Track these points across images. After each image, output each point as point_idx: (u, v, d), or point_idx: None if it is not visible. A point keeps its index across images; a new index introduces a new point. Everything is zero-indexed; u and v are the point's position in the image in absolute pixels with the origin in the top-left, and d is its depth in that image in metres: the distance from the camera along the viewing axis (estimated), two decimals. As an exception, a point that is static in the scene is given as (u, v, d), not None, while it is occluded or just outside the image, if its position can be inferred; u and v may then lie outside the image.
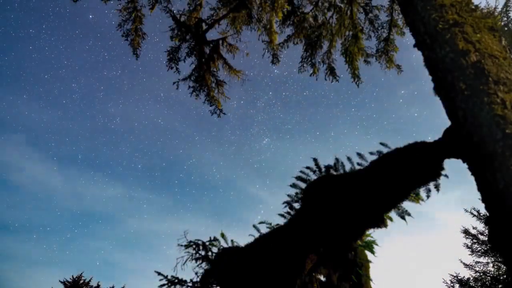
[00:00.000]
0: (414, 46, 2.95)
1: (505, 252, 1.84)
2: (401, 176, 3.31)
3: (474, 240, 15.41)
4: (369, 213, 3.60)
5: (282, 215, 4.96)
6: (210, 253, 4.21)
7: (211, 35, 7.56)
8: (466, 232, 15.72)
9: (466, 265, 15.29)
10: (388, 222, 4.09)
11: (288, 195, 5.05)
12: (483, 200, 2.03)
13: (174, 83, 7.49)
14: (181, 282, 4.13)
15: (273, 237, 3.88)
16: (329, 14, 7.56)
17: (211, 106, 7.79)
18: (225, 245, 4.31)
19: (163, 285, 4.17)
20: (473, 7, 2.71)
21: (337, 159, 4.80)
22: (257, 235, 4.36)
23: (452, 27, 2.48)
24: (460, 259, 15.52)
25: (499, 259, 14.24)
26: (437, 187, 3.78)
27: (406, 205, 4.25)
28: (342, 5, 7.43)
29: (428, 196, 3.94)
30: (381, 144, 3.94)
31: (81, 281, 19.50)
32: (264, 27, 7.52)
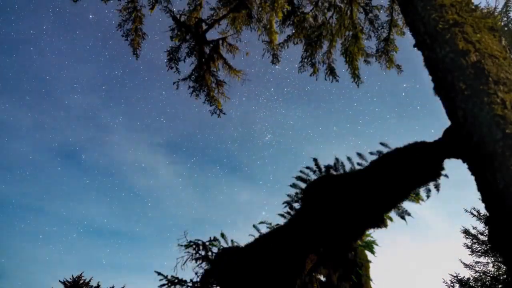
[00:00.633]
0: (414, 46, 2.95)
1: (505, 252, 1.85)
2: (401, 176, 3.31)
3: (474, 240, 15.42)
4: (369, 213, 3.61)
5: (282, 215, 4.96)
6: (210, 253, 4.21)
7: (211, 35, 7.57)
8: (466, 232, 15.72)
9: (466, 265, 15.29)
10: (388, 222, 4.09)
11: (288, 195, 5.06)
12: (483, 200, 2.03)
13: (174, 83, 7.50)
14: (181, 282, 4.13)
15: (273, 237, 3.88)
16: (329, 14, 7.56)
17: (211, 106, 7.80)
18: (225, 245, 4.32)
19: (163, 285, 4.17)
20: (473, 7, 2.71)
21: (337, 159, 4.80)
22: (257, 235, 4.36)
23: (452, 27, 2.48)
24: (460, 259, 15.53)
25: (499, 259, 14.24)
26: (437, 187, 3.78)
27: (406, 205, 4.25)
28: (342, 5, 7.43)
29: (428, 196, 3.94)
30: (381, 144, 3.94)
31: (81, 281, 19.51)
32: (264, 27, 7.52)
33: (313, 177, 4.92)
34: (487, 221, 2.06)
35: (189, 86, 7.62)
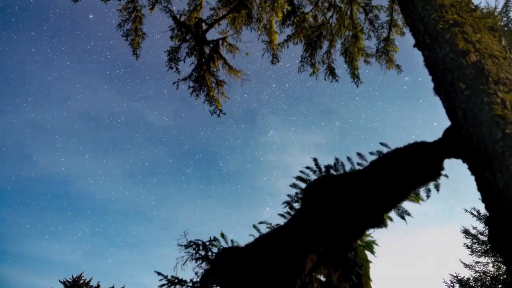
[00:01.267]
0: (414, 46, 2.95)
1: (505, 252, 1.84)
2: (401, 176, 3.31)
3: (474, 240, 15.42)
4: (369, 213, 3.61)
5: (282, 215, 4.96)
6: (210, 253, 4.21)
7: (211, 35, 7.58)
8: (466, 232, 15.72)
9: (466, 265, 15.29)
10: (388, 222, 4.09)
11: (288, 195, 5.06)
12: (483, 200, 2.03)
13: (174, 83, 7.50)
14: (181, 282, 4.13)
15: (273, 237, 3.88)
16: (329, 14, 7.56)
17: (211, 106, 7.80)
18: (225, 245, 4.31)
19: (163, 285, 4.17)
20: (473, 7, 2.71)
21: (337, 159, 4.80)
22: (257, 235, 4.36)
23: (452, 27, 2.48)
24: (460, 259, 15.53)
25: (499, 259, 14.24)
26: (437, 187, 3.78)
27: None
28: (342, 5, 7.43)
29: (428, 196, 3.94)
30: (381, 144, 3.94)
31: (81, 281, 19.51)
32: (264, 27, 7.52)
33: (313, 177, 4.92)
34: (487, 221, 2.06)
35: (189, 86, 7.63)
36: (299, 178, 5.00)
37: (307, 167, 5.02)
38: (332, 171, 4.77)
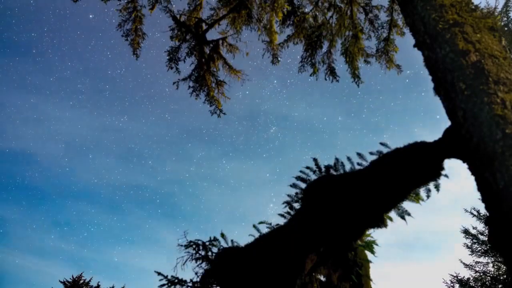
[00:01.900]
0: (414, 46, 2.95)
1: (505, 252, 1.85)
2: (401, 176, 3.31)
3: (474, 240, 15.42)
4: (369, 213, 3.61)
5: (282, 215, 4.96)
6: (210, 253, 4.21)
7: (211, 35, 7.58)
8: (466, 232, 15.72)
9: (466, 265, 15.30)
10: (388, 222, 4.09)
11: (288, 195, 5.05)
12: (483, 200, 2.03)
13: (174, 83, 7.50)
14: (181, 282, 4.13)
15: (273, 237, 3.89)
16: (329, 14, 7.56)
17: (211, 106, 7.81)
18: (225, 245, 4.31)
19: (163, 285, 4.17)
20: (473, 7, 2.71)
21: (337, 159, 4.80)
22: (257, 235, 4.36)
23: (452, 27, 2.48)
24: (460, 259, 15.54)
25: (499, 259, 14.24)
26: (437, 187, 3.78)
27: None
28: (342, 5, 7.43)
29: (428, 196, 3.94)
30: (381, 144, 3.94)
31: (81, 281, 19.52)
32: (264, 27, 7.52)
33: (313, 177, 4.92)
34: (487, 221, 2.06)
35: (189, 86, 7.63)
36: (299, 178, 5.00)
37: (307, 167, 5.02)
38: (332, 171, 4.77)
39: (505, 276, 14.12)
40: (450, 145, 2.91)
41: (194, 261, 4.18)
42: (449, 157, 3.07)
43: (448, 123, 2.69)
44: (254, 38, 7.73)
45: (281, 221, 4.68)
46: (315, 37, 7.69)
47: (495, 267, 14.73)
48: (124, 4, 6.99)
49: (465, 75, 2.19)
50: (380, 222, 3.80)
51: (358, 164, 4.36)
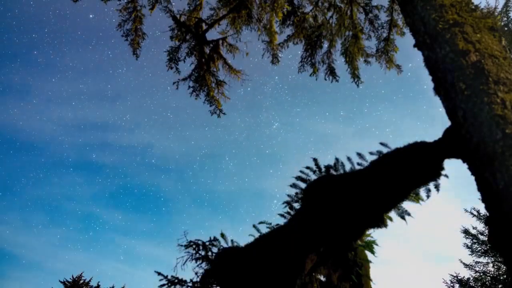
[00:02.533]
0: (414, 46, 2.95)
1: (505, 252, 1.85)
2: (401, 176, 3.31)
3: (474, 240, 15.41)
4: (369, 213, 3.61)
5: (282, 215, 4.96)
6: (210, 253, 4.21)
7: (211, 35, 7.57)
8: (466, 232, 15.72)
9: (466, 265, 15.29)
10: (388, 222, 4.09)
11: (288, 195, 5.06)
12: (483, 200, 2.03)
13: (174, 83, 7.50)
14: (181, 282, 4.13)
15: (273, 237, 3.89)
16: (329, 14, 7.56)
17: (211, 106, 7.80)
18: (225, 245, 4.31)
19: (163, 285, 4.17)
20: (473, 7, 2.71)
21: (337, 159, 4.80)
22: (257, 235, 4.36)
23: (452, 27, 2.48)
24: (460, 259, 15.53)
25: (499, 259, 14.25)
26: (437, 187, 3.78)
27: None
28: (342, 5, 7.43)
29: (428, 196, 3.94)
30: (381, 144, 3.94)
31: (81, 281, 19.52)
32: (264, 27, 7.51)
33: (313, 177, 4.92)
34: (487, 221, 2.06)
35: (189, 86, 7.62)
36: (299, 178, 5.00)
37: (307, 167, 5.03)
38: (332, 171, 4.77)
39: (505, 276, 14.12)
40: (450, 145, 2.91)
41: (194, 261, 4.18)
42: (449, 157, 3.07)
43: (448, 123, 2.69)
44: (254, 38, 7.73)
45: (281, 221, 4.69)
46: (315, 37, 7.69)
47: (495, 267, 14.73)
48: (124, 4, 6.99)
49: (465, 75, 2.19)
50: (380, 222, 3.80)
51: (358, 164, 4.36)
